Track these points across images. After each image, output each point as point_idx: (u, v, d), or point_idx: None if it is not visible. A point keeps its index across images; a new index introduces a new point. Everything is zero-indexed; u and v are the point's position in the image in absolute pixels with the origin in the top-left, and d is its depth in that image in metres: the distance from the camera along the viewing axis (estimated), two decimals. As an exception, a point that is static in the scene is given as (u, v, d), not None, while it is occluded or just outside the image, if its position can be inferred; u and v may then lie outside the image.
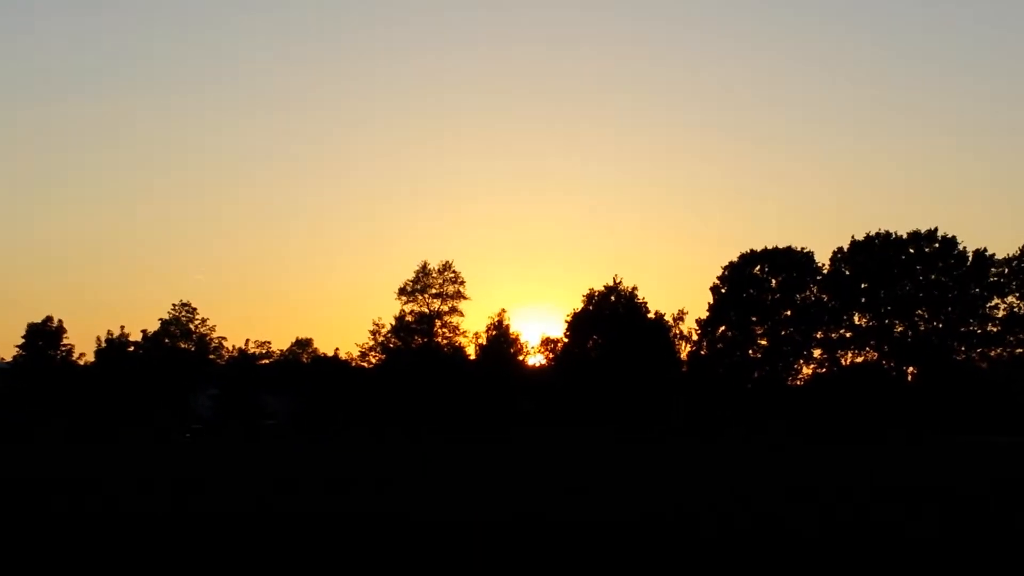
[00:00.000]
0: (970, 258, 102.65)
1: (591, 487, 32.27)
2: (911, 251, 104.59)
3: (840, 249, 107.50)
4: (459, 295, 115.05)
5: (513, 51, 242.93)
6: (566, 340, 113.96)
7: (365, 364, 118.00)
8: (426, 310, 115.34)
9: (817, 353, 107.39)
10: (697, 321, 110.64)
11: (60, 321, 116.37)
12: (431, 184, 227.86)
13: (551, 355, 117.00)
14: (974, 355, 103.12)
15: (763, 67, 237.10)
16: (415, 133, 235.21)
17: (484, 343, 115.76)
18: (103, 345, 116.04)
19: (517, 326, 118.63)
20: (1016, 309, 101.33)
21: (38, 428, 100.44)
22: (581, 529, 20.33)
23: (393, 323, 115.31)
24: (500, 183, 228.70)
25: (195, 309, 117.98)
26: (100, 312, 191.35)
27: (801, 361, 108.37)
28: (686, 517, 22.97)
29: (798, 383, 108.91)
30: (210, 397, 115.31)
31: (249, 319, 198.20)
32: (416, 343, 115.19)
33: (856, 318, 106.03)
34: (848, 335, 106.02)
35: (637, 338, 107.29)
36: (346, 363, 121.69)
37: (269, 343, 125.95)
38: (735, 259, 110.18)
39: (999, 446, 75.22)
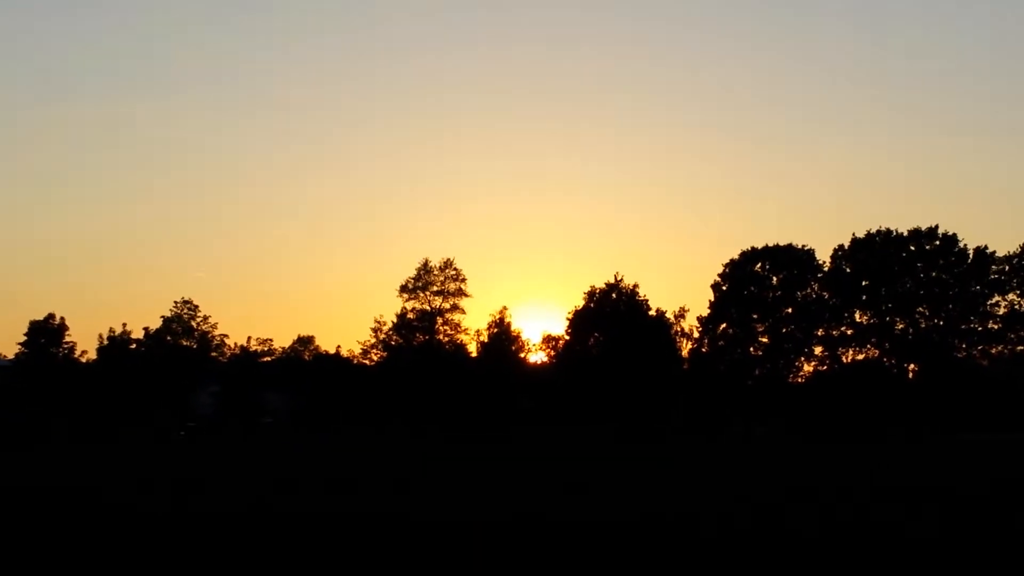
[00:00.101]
0: (971, 256, 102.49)
1: (591, 486, 32.20)
2: (912, 249, 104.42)
3: (841, 247, 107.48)
4: (460, 293, 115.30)
5: (514, 50, 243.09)
6: (567, 338, 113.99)
7: (367, 362, 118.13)
8: (428, 308, 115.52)
9: (818, 350, 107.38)
10: (698, 318, 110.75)
11: (62, 318, 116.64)
12: (432, 182, 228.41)
13: (552, 353, 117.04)
14: (975, 352, 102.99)
15: (764, 66, 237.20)
16: (417, 131, 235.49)
17: (485, 340, 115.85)
18: (105, 343, 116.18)
19: (518, 324, 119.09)
20: (1017, 306, 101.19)
21: (38, 429, 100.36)
22: (580, 529, 20.27)
23: (395, 321, 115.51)
24: (501, 181, 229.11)
25: (197, 307, 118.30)
26: (102, 309, 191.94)
27: (802, 358, 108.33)
28: (685, 517, 22.90)
29: (799, 380, 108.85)
30: (211, 395, 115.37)
31: (251, 317, 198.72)
32: (418, 341, 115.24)
33: (857, 315, 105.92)
34: (849, 332, 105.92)
35: (638, 336, 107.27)
36: (348, 360, 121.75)
37: (271, 341, 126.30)
38: (736, 257, 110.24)
39: (1000, 444, 75.09)
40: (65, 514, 24.20)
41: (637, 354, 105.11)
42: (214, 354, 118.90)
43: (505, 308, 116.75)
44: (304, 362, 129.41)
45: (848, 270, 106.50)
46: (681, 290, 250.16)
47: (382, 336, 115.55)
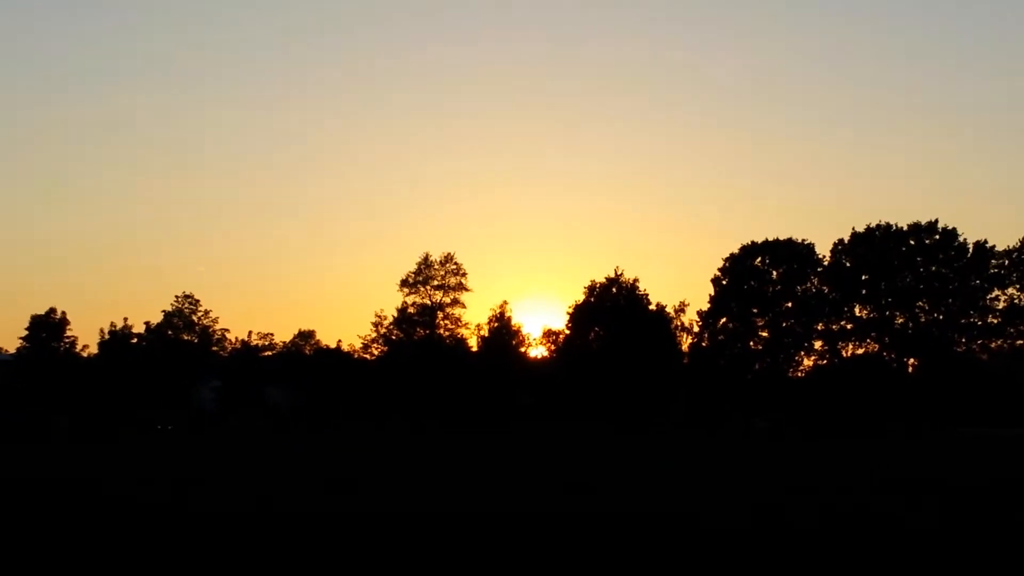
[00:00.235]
0: (970, 250, 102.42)
1: (591, 482, 32.22)
2: (912, 243, 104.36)
3: (841, 241, 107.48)
4: (461, 287, 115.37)
5: (515, 45, 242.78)
6: (568, 332, 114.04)
7: (367, 356, 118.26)
8: (428, 302, 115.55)
9: (818, 345, 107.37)
10: (698, 313, 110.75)
11: (63, 313, 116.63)
12: (433, 176, 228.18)
13: (553, 347, 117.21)
14: (975, 347, 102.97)
15: (764, 60, 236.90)
16: (417, 126, 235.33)
17: (486, 335, 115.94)
18: (106, 337, 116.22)
19: (519, 318, 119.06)
20: (1016, 301, 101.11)
21: (40, 423, 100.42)
22: (580, 524, 20.28)
23: (395, 315, 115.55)
24: (502, 176, 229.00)
25: (198, 301, 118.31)
26: (103, 304, 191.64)
27: (802, 353, 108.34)
28: (684, 510, 22.92)
29: (799, 375, 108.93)
30: (213, 389, 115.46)
31: (252, 311, 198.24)
32: (418, 335, 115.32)
33: (857, 310, 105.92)
34: (849, 327, 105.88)
35: (638, 330, 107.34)
36: (348, 355, 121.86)
37: (272, 335, 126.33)
38: (736, 251, 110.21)
39: (1000, 438, 75.13)
40: (58, 507, 24.23)
41: (637, 348, 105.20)
42: (215, 348, 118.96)
43: (505, 302, 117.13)
44: (305, 356, 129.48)
45: (848, 264, 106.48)
46: (681, 284, 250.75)
47: (383, 330, 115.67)
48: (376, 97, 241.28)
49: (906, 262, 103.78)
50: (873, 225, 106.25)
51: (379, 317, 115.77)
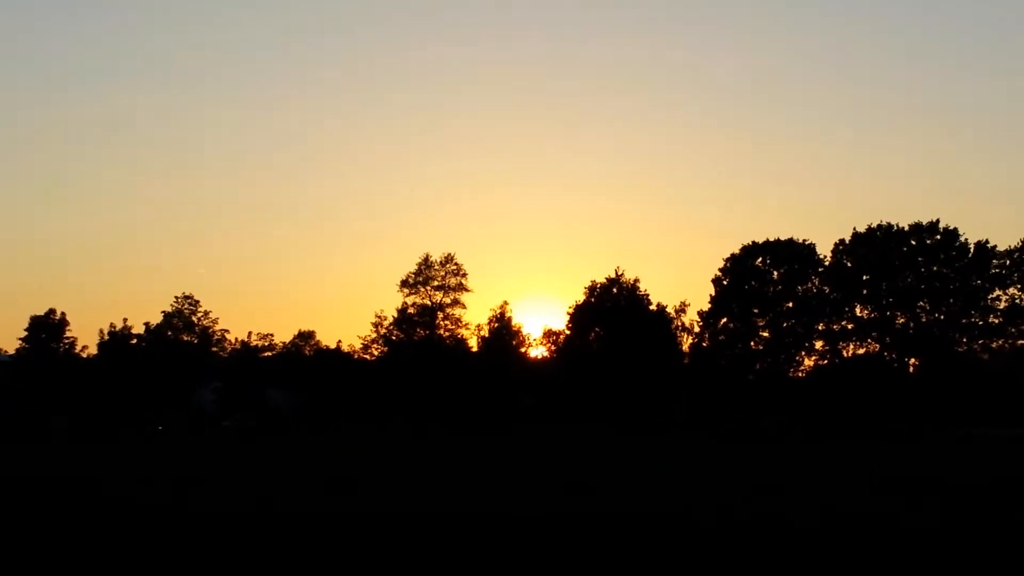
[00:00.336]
0: (972, 250, 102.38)
1: (593, 483, 32.23)
2: (913, 243, 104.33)
3: (842, 241, 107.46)
4: (461, 287, 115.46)
5: (515, 44, 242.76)
6: (568, 332, 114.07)
7: (367, 357, 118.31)
8: (428, 302, 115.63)
9: (819, 345, 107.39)
10: (699, 313, 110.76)
11: (63, 313, 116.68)
12: (433, 176, 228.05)
13: (553, 347, 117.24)
14: (976, 347, 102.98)
15: (765, 60, 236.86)
16: (417, 126, 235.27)
17: (486, 335, 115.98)
18: (106, 338, 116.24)
19: (519, 318, 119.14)
20: (1018, 301, 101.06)
21: (39, 424, 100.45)
22: (576, 524, 20.30)
23: (395, 315, 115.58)
24: (502, 175, 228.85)
25: (198, 301, 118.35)
26: (103, 304, 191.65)
27: (803, 353, 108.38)
28: (681, 512, 22.92)
29: (800, 375, 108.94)
30: (213, 390, 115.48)
31: (252, 311, 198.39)
32: (418, 335, 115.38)
33: (858, 310, 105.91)
34: (850, 327, 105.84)
35: (639, 330, 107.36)
36: (348, 356, 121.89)
37: (272, 336, 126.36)
38: (737, 251, 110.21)
39: (1002, 439, 75.12)
40: (52, 507, 24.24)
41: (638, 349, 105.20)
42: (215, 349, 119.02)
43: (506, 303, 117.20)
44: (305, 357, 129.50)
45: (849, 264, 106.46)
46: (682, 285, 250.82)
47: (383, 331, 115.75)
48: (376, 97, 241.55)
49: (907, 262, 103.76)
50: (874, 225, 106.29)
51: (379, 318, 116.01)
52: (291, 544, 17.48)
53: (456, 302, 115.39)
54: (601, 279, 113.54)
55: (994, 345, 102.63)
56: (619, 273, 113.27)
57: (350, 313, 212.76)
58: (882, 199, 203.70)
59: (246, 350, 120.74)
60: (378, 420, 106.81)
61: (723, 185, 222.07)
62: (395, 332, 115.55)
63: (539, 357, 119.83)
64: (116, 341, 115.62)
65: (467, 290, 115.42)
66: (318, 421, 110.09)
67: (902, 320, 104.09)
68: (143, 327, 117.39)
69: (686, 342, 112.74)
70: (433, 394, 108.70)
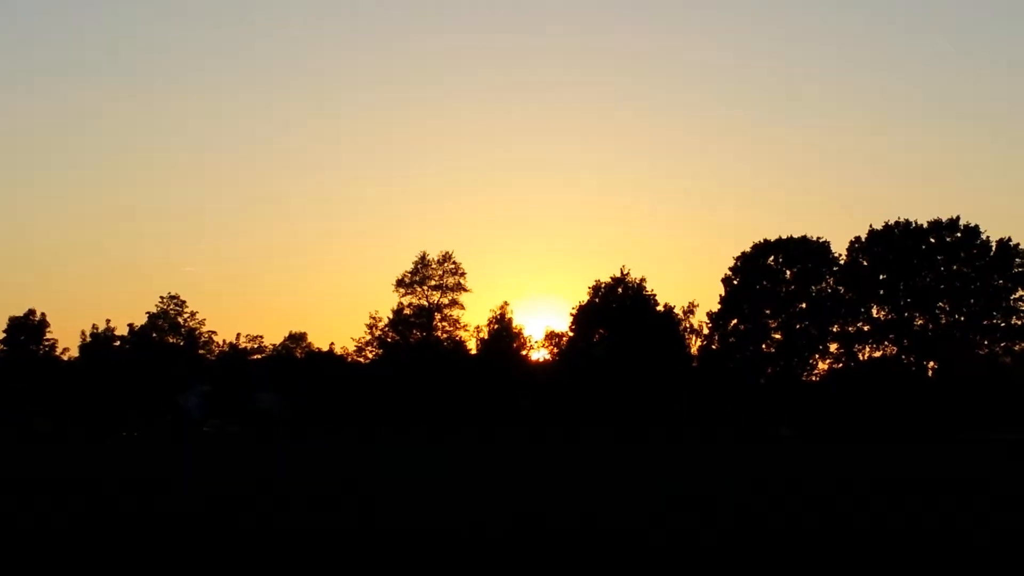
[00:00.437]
0: (993, 248, 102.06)
1: (591, 494, 31.51)
2: (932, 241, 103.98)
3: (857, 239, 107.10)
4: (459, 287, 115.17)
5: (517, 35, 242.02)
6: (571, 334, 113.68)
7: (361, 360, 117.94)
8: (425, 303, 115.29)
9: (833, 347, 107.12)
10: (708, 314, 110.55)
11: (43, 314, 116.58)
12: (430, 170, 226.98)
13: (555, 350, 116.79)
14: (997, 349, 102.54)
15: (778, 51, 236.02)
16: (413, 119, 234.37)
17: (485, 337, 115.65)
18: (88, 340, 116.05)
19: (520, 319, 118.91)
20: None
21: (19, 428, 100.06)
22: (579, 541, 19.56)
23: (391, 316, 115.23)
24: (503, 169, 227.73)
25: (184, 302, 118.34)
26: (85, 305, 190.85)
27: (816, 356, 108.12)
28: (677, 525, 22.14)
29: (813, 379, 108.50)
30: (200, 394, 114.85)
31: (240, 312, 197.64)
32: (415, 337, 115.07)
33: (874, 311, 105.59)
34: (866, 329, 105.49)
35: (645, 332, 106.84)
36: (342, 359, 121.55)
37: (261, 337, 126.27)
38: (748, 249, 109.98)
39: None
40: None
41: (644, 351, 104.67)
42: (202, 352, 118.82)
43: (506, 303, 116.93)
44: (296, 360, 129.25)
45: (865, 263, 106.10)
46: (690, 284, 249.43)
47: (377, 333, 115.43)
48: (369, 89, 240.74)
49: (926, 261, 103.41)
50: (891, 222, 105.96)
51: (374, 319, 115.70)
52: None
53: (454, 303, 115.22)
54: (606, 278, 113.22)
55: (1017, 348, 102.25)
56: (624, 272, 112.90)
57: (343, 314, 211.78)
58: (900, 195, 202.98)
59: (234, 353, 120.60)
60: (372, 426, 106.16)
61: (733, 180, 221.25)
62: (390, 334, 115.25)
63: (541, 360, 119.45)
64: (98, 343, 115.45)
65: (466, 290, 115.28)
66: (308, 426, 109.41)
67: (920, 322, 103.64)
68: (127, 329, 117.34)
69: (695, 344, 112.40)
70: (430, 398, 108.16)
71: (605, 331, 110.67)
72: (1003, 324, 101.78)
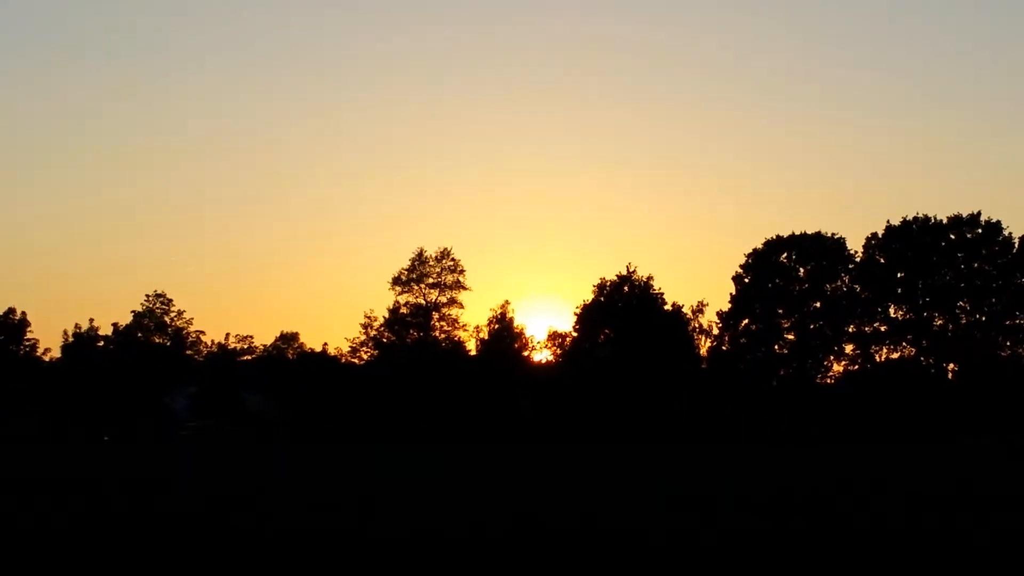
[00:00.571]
0: (1016, 245, 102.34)
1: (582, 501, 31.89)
2: (952, 237, 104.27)
3: (874, 235, 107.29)
4: (458, 285, 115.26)
5: (521, 26, 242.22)
6: (575, 334, 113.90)
7: (356, 360, 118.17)
8: (422, 301, 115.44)
9: (849, 348, 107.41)
10: (718, 314, 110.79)
11: (23, 313, 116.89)
12: (428, 164, 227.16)
13: (559, 351, 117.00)
14: (1021, 350, 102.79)
15: (792, 42, 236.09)
16: (410, 111, 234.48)
17: (485, 337, 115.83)
18: (70, 339, 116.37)
19: (521, 319, 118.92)
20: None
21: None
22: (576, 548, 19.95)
23: (386, 316, 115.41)
24: (504, 163, 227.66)
25: (171, 300, 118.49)
26: (67, 304, 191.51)
27: (831, 357, 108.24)
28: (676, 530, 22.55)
29: (828, 381, 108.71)
30: (187, 396, 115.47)
31: (230, 311, 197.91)
32: (412, 337, 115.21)
33: (892, 310, 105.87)
34: (883, 329, 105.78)
35: (652, 332, 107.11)
36: (335, 359, 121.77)
37: (251, 337, 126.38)
38: (760, 246, 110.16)
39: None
40: None
41: (651, 352, 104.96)
42: (189, 352, 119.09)
43: (507, 302, 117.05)
44: (287, 361, 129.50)
45: (882, 261, 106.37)
46: (699, 283, 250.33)
47: (373, 333, 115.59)
48: (363, 80, 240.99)
49: (946, 258, 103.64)
50: (910, 218, 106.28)
51: (369, 318, 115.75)
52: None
53: (453, 301, 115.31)
54: (611, 276, 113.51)
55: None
56: (631, 270, 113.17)
57: (337, 313, 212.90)
58: (918, 189, 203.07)
59: (223, 353, 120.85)
60: (368, 429, 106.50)
61: (744, 174, 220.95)
62: (386, 334, 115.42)
63: (543, 361, 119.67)
64: (81, 343, 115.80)
65: (465, 288, 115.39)
66: (301, 429, 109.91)
67: (940, 321, 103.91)
68: (111, 328, 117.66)
69: (704, 345, 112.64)
70: (428, 401, 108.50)
71: (610, 331, 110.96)
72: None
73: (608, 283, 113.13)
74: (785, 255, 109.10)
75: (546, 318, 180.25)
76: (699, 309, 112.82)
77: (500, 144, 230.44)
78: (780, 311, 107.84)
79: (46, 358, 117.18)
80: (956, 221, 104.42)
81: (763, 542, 19.22)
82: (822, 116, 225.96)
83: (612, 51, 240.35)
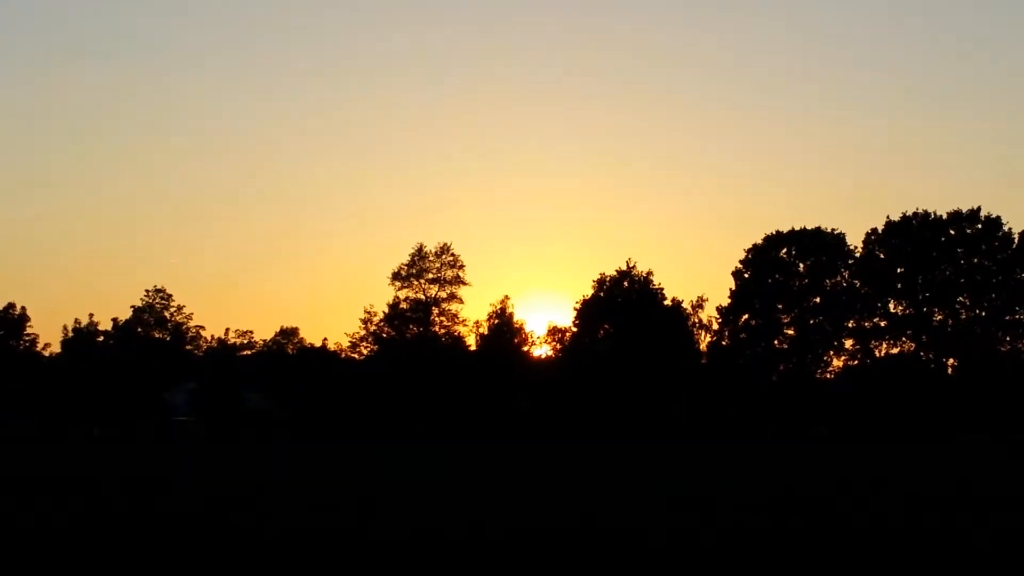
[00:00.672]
0: (1016, 240, 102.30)
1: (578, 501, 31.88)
2: (951, 233, 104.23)
3: (874, 230, 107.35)
4: (458, 280, 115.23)
5: (520, 22, 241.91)
6: (575, 330, 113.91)
7: (356, 356, 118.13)
8: (422, 296, 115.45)
9: (849, 344, 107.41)
10: (718, 309, 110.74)
11: (23, 308, 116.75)
12: (428, 160, 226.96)
13: (558, 346, 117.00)
14: (1020, 346, 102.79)
15: (792, 37, 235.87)
16: (410, 106, 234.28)
17: (485, 332, 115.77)
18: (70, 335, 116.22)
19: (521, 314, 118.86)
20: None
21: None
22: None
23: (386, 311, 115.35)
24: (503, 158, 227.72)
25: (170, 296, 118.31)
26: (67, 299, 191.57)
27: (831, 352, 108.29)
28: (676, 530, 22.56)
29: (828, 376, 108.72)
30: (186, 392, 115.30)
31: (229, 307, 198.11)
32: (411, 333, 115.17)
33: (891, 306, 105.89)
34: (883, 324, 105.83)
35: (652, 327, 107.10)
36: (335, 355, 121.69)
37: (251, 333, 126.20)
38: (759, 241, 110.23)
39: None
40: None
41: (651, 347, 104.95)
42: (189, 347, 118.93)
43: (507, 297, 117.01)
44: (287, 356, 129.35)
45: (882, 256, 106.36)
46: (699, 278, 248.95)
47: (372, 328, 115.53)
48: (366, 74, 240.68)
49: (945, 254, 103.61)
50: (909, 213, 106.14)
51: (368, 313, 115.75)
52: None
53: (452, 296, 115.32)
54: (611, 272, 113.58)
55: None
56: (631, 265, 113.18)
57: (337, 309, 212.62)
58: (918, 185, 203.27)
59: (223, 348, 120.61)
60: (368, 425, 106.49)
61: (744, 170, 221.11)
62: (386, 329, 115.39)
63: (543, 356, 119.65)
64: (81, 338, 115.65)
65: (465, 283, 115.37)
66: (302, 425, 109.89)
67: (940, 317, 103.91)
68: (110, 323, 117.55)
69: (704, 340, 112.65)
70: (427, 396, 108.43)
71: (610, 326, 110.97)
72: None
73: (608, 278, 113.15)
74: (785, 250, 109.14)
75: (546, 313, 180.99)
76: (699, 304, 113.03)
77: (500, 140, 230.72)
78: (780, 306, 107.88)
79: (46, 353, 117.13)
80: (956, 217, 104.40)
81: (763, 542, 19.25)
82: (822, 112, 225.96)
83: (614, 49, 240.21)
